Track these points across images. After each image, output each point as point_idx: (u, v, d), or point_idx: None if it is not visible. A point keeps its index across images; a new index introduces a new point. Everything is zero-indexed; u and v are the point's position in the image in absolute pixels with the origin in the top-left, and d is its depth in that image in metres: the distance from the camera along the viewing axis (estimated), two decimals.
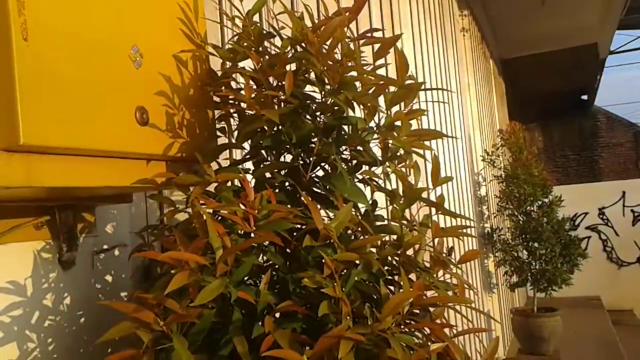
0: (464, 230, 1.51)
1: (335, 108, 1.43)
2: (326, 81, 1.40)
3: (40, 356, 1.44)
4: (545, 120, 12.98)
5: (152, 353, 1.14)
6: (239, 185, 1.38)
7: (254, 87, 1.46)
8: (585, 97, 13.18)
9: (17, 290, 1.41)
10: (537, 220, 6.50)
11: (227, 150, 1.85)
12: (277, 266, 1.32)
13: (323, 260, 1.27)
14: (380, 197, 1.58)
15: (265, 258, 1.34)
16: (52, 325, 1.48)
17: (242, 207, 1.25)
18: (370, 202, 1.46)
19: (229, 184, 1.50)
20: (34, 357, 1.42)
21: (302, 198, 1.27)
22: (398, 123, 1.41)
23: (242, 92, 1.40)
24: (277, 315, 1.25)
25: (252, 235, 1.23)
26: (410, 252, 1.41)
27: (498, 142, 7.26)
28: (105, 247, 1.68)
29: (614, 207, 9.68)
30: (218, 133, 1.65)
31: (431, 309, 1.37)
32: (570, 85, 12.44)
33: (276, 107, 1.44)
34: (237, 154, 1.98)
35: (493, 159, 6.86)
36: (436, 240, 1.47)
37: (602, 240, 9.67)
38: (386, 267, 1.39)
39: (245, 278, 1.29)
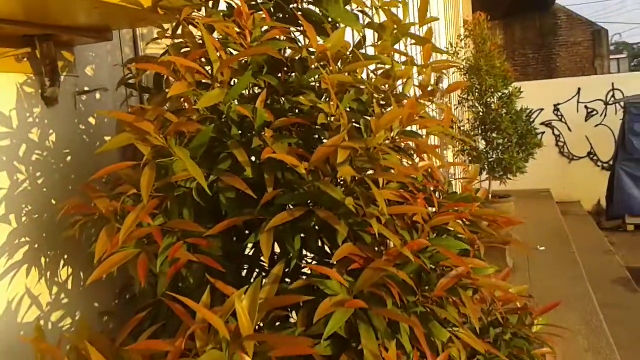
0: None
1: None
2: None
3: (31, 189, 1.44)
4: (506, 18, 12.96)
5: (153, 166, 1.16)
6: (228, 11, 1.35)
7: None
8: None
9: (3, 122, 1.39)
10: (497, 111, 6.65)
11: None
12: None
13: (317, 85, 1.29)
14: (368, 35, 1.59)
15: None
16: (40, 160, 1.48)
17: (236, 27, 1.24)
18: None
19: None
20: (24, 189, 1.43)
21: (299, 20, 1.26)
22: None
23: None
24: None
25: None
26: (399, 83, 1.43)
27: (462, 34, 7.25)
28: (86, 89, 1.65)
29: (569, 104, 9.97)
30: None
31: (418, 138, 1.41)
32: None
33: None
34: None
35: (457, 50, 6.88)
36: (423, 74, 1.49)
37: (556, 136, 10.02)
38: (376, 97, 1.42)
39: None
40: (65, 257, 1.53)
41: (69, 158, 1.57)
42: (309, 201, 1.22)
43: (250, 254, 1.39)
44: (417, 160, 1.41)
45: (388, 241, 1.24)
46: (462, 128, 6.86)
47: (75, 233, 1.29)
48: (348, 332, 1.17)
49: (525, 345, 1.35)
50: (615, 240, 8.12)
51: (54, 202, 1.50)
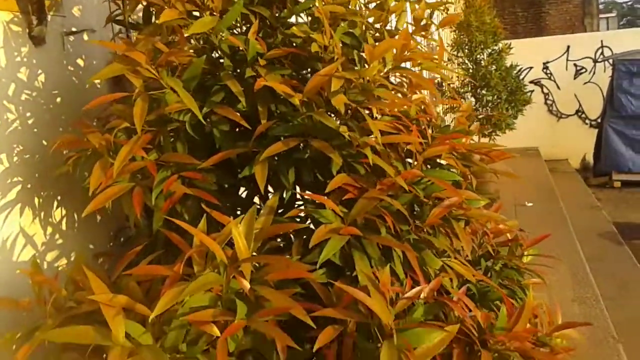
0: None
1: None
2: None
3: (21, 129, 1.43)
4: None
5: (146, 97, 1.15)
6: None
7: None
8: None
9: None
10: (486, 67, 6.63)
11: None
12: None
13: (309, 19, 1.28)
14: None
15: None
16: (30, 100, 1.46)
17: None
18: None
19: None
20: (15, 129, 1.41)
21: None
22: None
23: None
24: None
25: None
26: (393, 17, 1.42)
27: None
28: (74, 29, 1.62)
29: (558, 62, 9.93)
30: None
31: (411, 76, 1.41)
32: None
33: None
34: None
35: (447, 5, 6.79)
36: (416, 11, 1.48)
37: (544, 94, 10.02)
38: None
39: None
40: (59, 198, 1.53)
41: (58, 99, 1.55)
42: (303, 133, 1.22)
43: (244, 195, 1.40)
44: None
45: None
46: (451, 85, 6.84)
47: (69, 169, 1.29)
48: (343, 260, 1.19)
49: (515, 275, 1.38)
50: (602, 196, 8.22)
51: (44, 142, 1.49)
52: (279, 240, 1.33)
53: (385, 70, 1.25)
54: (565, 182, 8.54)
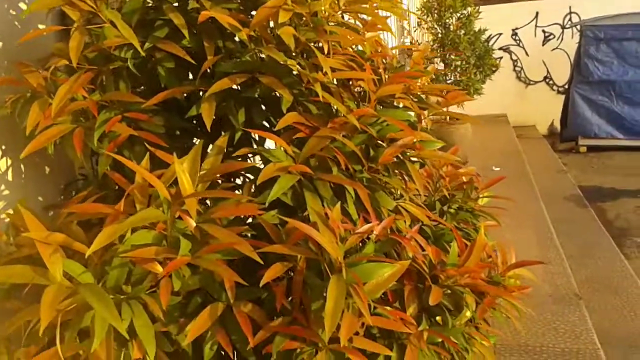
0: None
1: None
2: None
3: None
4: None
5: (83, 31, 1.10)
6: None
7: None
8: None
9: None
10: (455, 32, 6.60)
11: None
12: None
13: None
14: None
15: None
16: None
17: None
18: None
19: None
20: None
21: None
22: None
23: None
24: None
25: None
26: None
27: None
28: None
29: (527, 28, 9.97)
30: None
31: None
32: None
33: None
34: None
35: None
36: None
37: (513, 61, 10.07)
38: None
39: None
40: (3, 147, 1.47)
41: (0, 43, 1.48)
42: (252, 70, 1.18)
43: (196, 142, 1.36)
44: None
45: (334, 111, 1.23)
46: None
47: (7, 112, 1.22)
48: (294, 200, 1.16)
49: (470, 217, 1.37)
50: (568, 161, 8.35)
51: None
52: (231, 184, 1.30)
53: (339, 5, 1.21)
54: (533, 147, 8.64)
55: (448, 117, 6.81)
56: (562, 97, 9.35)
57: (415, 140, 1.23)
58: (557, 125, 9.48)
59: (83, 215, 1.02)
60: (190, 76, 1.28)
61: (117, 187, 1.20)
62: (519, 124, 9.73)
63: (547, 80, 9.98)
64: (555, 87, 9.95)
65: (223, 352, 1.28)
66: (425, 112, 1.33)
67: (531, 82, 10.04)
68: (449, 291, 1.11)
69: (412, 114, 1.31)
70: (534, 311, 3.79)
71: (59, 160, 1.57)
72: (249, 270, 1.11)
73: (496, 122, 9.48)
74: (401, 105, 1.34)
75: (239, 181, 1.41)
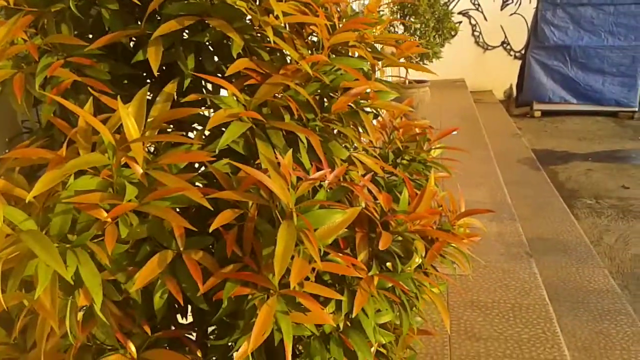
0: None
1: None
2: None
3: None
4: None
5: None
6: None
7: None
8: None
9: None
10: None
11: None
12: None
13: None
14: None
15: None
16: None
17: None
18: None
19: None
20: None
21: None
22: None
23: None
24: None
25: None
26: None
27: None
28: None
29: None
30: None
31: None
32: None
33: None
34: None
35: None
36: None
37: (472, 25, 10.13)
38: None
39: None
40: None
41: None
42: (201, 13, 1.14)
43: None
44: None
45: (287, 58, 1.20)
46: (381, 13, 6.77)
47: None
48: (247, 149, 1.15)
49: (422, 168, 1.38)
50: (522, 125, 8.53)
51: None
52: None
53: None
54: (489, 112, 8.79)
55: (407, 81, 6.83)
56: (519, 62, 9.49)
57: (369, 89, 1.23)
58: (514, 90, 9.64)
59: (25, 162, 0.98)
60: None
61: (62, 139, 1.16)
62: (477, 88, 9.86)
63: (505, 45, 10.10)
64: (512, 52, 10.08)
65: (176, 305, 1.28)
66: (380, 63, 1.33)
67: (489, 47, 10.14)
68: (399, 238, 1.12)
69: (367, 64, 1.30)
70: (484, 270, 3.92)
71: (2, 113, 1.51)
72: (199, 220, 1.10)
73: (454, 86, 9.58)
74: (356, 55, 1.32)
75: (191, 135, 1.38)
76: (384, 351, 1.28)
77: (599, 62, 8.60)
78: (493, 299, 3.53)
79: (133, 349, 1.11)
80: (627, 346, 3.30)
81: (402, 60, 1.40)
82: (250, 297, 1.00)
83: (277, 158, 1.10)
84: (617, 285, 4.01)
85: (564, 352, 2.99)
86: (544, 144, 7.66)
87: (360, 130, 1.28)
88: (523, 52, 9.43)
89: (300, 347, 1.19)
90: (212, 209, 0.95)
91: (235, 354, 0.99)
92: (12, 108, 1.37)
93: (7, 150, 1.58)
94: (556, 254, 4.47)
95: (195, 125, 1.35)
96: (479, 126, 7.44)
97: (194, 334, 1.32)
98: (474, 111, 8.16)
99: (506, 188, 5.40)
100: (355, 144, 1.31)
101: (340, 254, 1.08)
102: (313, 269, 1.07)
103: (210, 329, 1.34)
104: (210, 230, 0.96)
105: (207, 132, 1.18)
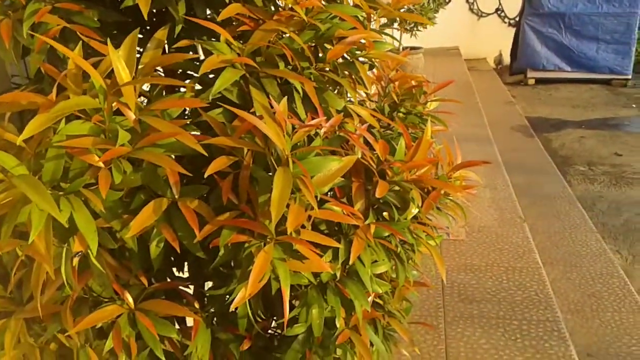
0: None
1: None
2: None
3: None
4: None
5: None
6: None
7: None
8: None
9: None
10: None
11: None
12: None
13: None
14: None
15: None
16: None
17: None
18: None
19: None
20: None
21: None
22: None
23: None
24: None
25: None
26: None
27: None
28: None
29: None
30: None
31: None
32: None
33: None
34: None
35: None
36: None
37: None
38: None
39: None
40: None
41: None
42: None
43: None
44: None
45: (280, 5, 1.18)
46: None
47: None
48: (241, 98, 1.13)
49: (418, 121, 1.37)
50: (516, 93, 8.50)
51: None
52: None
53: None
54: (483, 80, 8.75)
55: (401, 47, 6.78)
56: (513, 29, 9.41)
57: (364, 40, 1.20)
58: (507, 58, 9.58)
59: (14, 107, 0.95)
60: None
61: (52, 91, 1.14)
62: (471, 56, 9.79)
63: (499, 12, 10.01)
64: (506, 20, 9.99)
65: (172, 256, 1.27)
66: (375, 12, 1.30)
67: (483, 14, 10.05)
68: (395, 187, 1.11)
69: (363, 12, 1.27)
70: (478, 234, 3.94)
71: None
72: (193, 171, 1.08)
73: (448, 54, 9.51)
74: (351, 3, 1.30)
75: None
76: (381, 302, 1.29)
77: (594, 30, 8.54)
78: (487, 263, 3.56)
79: (130, 299, 1.10)
80: (618, 308, 3.35)
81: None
82: (247, 244, 0.99)
83: (272, 107, 1.09)
84: (610, 249, 4.05)
85: (556, 314, 3.02)
86: (538, 112, 7.65)
87: (357, 80, 1.26)
88: (517, 19, 9.34)
89: (295, 302, 1.19)
90: (206, 154, 0.94)
91: (233, 302, 0.99)
92: (1, 64, 1.34)
93: None
94: (549, 219, 4.49)
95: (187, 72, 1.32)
96: (473, 94, 7.41)
97: (191, 288, 1.31)
98: (468, 79, 8.12)
99: (500, 155, 5.40)
100: (350, 97, 1.29)
101: (337, 203, 1.07)
102: (309, 218, 1.06)
103: (207, 286, 1.33)
104: (205, 177, 0.95)
105: (198, 87, 1.16)
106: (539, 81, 8.90)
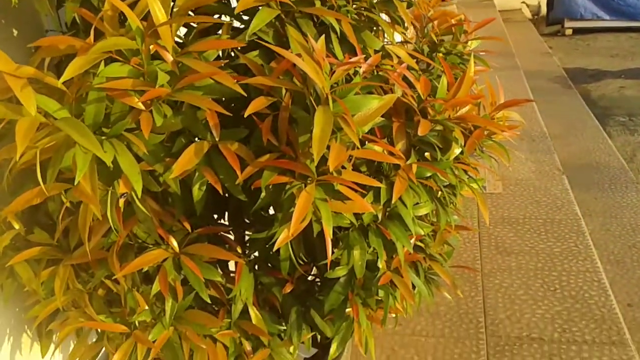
0: None
1: None
2: None
3: None
4: None
5: None
6: None
7: None
8: None
9: None
10: None
11: None
12: None
13: None
14: None
15: None
16: None
17: None
18: None
19: None
20: None
21: None
22: None
23: None
24: None
25: None
26: None
27: None
28: None
29: None
30: None
31: None
32: None
33: None
34: None
35: None
36: None
37: None
38: None
39: None
40: None
41: None
42: None
43: None
44: None
45: None
46: None
47: None
48: (277, 40, 1.11)
49: (458, 60, 1.33)
50: (553, 44, 8.22)
51: None
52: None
53: None
54: (519, 31, 8.48)
55: None
56: None
57: None
58: (544, 8, 9.25)
59: (53, 51, 0.95)
60: None
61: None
62: (506, 7, 9.48)
63: None
64: None
65: (213, 202, 1.28)
66: None
67: None
68: (437, 127, 1.08)
69: None
70: (516, 187, 3.88)
71: (26, 23, 1.48)
72: (233, 114, 1.08)
73: (482, 5, 9.22)
74: None
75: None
76: (422, 245, 1.28)
77: None
78: (524, 215, 3.51)
79: (175, 244, 1.12)
80: None
81: None
82: (288, 186, 0.99)
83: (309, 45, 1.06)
84: None
85: (596, 265, 2.98)
86: (576, 63, 7.40)
87: (395, 19, 1.23)
88: None
89: (335, 247, 1.19)
90: (245, 95, 0.93)
91: (276, 243, 0.99)
92: (35, 18, 1.34)
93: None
94: (589, 171, 4.39)
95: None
96: (509, 45, 7.20)
97: (232, 235, 1.32)
98: (503, 30, 7.88)
99: (537, 107, 5.26)
100: (387, 38, 1.26)
101: (378, 143, 1.05)
102: (350, 159, 1.05)
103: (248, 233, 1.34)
104: (245, 117, 0.94)
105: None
106: (576, 31, 8.59)
